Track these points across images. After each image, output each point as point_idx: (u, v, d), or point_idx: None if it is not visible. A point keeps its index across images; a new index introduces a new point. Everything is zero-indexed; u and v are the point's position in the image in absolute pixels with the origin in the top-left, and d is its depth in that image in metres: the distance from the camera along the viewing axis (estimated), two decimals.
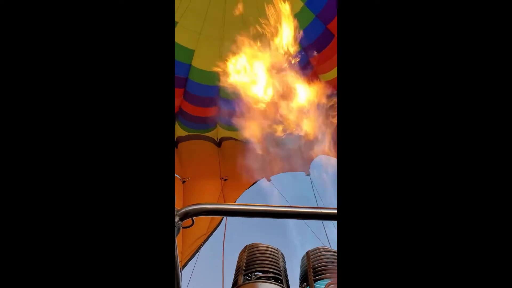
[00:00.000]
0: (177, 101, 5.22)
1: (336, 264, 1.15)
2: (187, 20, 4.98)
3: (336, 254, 1.43)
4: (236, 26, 4.84)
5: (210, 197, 5.22)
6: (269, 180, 5.14)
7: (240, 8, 4.54)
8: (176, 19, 4.92)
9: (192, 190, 5.22)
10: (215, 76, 5.21)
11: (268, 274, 1.39)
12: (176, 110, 5.27)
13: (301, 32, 4.77)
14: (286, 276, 1.43)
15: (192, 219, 1.20)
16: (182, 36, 5.00)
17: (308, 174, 4.80)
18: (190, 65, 5.13)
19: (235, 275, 1.41)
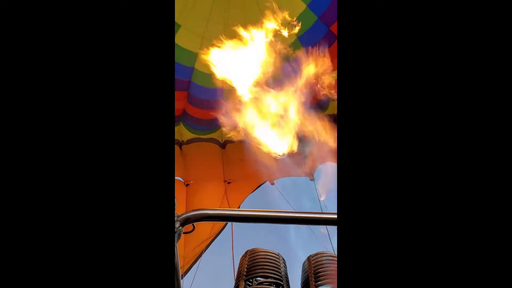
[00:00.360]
0: (181, 104, 5.24)
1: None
2: (190, 23, 5.00)
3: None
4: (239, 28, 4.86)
5: (213, 200, 5.22)
6: (272, 183, 5.14)
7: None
8: (179, 22, 4.95)
9: (195, 193, 5.23)
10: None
11: (269, 280, 1.39)
12: (180, 113, 5.29)
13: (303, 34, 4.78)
14: (287, 281, 1.44)
15: (193, 225, 1.21)
16: (185, 39, 5.02)
17: (312, 179, 4.79)
18: (193, 68, 5.15)
19: (236, 280, 1.41)
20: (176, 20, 4.87)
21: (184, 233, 1.20)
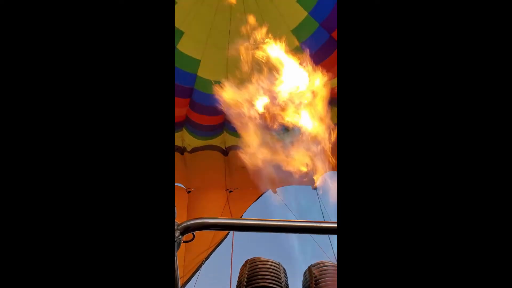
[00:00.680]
0: (184, 111, 5.27)
1: None
2: (193, 30, 5.05)
3: None
4: (242, 35, 4.90)
5: (215, 208, 5.20)
6: (275, 192, 5.13)
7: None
8: (182, 29, 4.99)
9: (197, 201, 5.22)
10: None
11: None
12: (182, 119, 5.31)
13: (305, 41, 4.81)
14: None
15: (193, 234, 1.21)
16: (188, 46, 5.06)
17: (315, 188, 4.78)
18: (196, 75, 5.19)
19: None
20: (179, 27, 4.91)
21: (184, 242, 1.20)
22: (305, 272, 1.51)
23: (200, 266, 5.00)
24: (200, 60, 5.17)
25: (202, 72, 5.22)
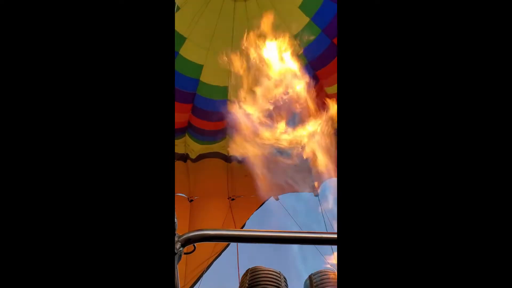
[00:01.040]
0: (186, 116, 5.29)
1: None
2: (196, 36, 5.08)
3: None
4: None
5: (217, 217, 5.18)
6: (277, 199, 5.13)
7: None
8: (185, 35, 5.03)
9: (199, 210, 5.20)
10: (224, 90, 5.28)
11: None
12: (185, 125, 5.33)
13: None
14: None
15: (194, 245, 1.22)
16: (191, 52, 5.10)
17: (317, 195, 4.77)
18: (199, 80, 5.22)
19: None
20: (182, 33, 4.95)
21: (185, 253, 1.21)
22: (305, 281, 1.52)
23: (201, 276, 4.99)
24: (202, 66, 5.21)
25: (204, 78, 5.25)
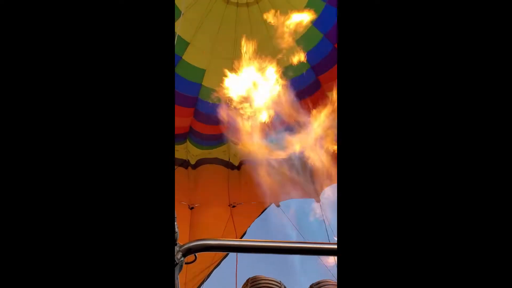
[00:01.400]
0: (188, 121, 5.31)
1: None
2: (199, 40, 5.11)
3: None
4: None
5: (218, 224, 5.16)
6: (278, 205, 5.11)
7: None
8: (187, 39, 5.05)
9: (200, 217, 5.18)
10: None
11: None
12: (186, 130, 5.35)
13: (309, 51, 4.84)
14: None
15: (195, 255, 1.22)
16: (193, 56, 5.12)
17: (319, 201, 4.76)
18: (201, 84, 5.24)
19: None
20: (185, 37, 4.97)
21: (186, 263, 1.22)
22: None
23: (201, 285, 4.97)
24: (205, 70, 5.23)
25: (207, 82, 5.27)
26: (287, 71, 4.82)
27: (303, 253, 1.33)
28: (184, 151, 5.43)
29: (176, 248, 1.16)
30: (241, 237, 5.24)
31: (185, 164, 5.43)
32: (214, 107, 5.16)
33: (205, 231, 4.95)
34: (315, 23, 4.91)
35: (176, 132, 5.09)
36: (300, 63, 4.88)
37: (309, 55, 4.99)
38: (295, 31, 4.82)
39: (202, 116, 5.30)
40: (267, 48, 4.75)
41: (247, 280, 1.50)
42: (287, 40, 4.87)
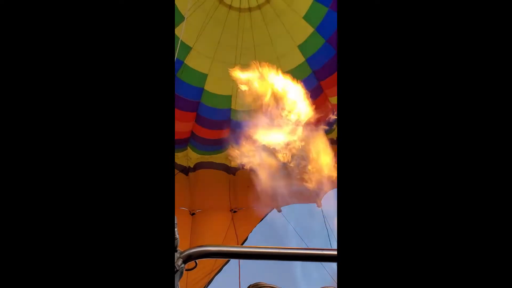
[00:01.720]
0: (189, 126, 5.33)
1: None
2: (201, 45, 5.14)
3: None
4: (249, 50, 4.98)
5: (219, 230, 5.14)
6: (279, 211, 5.10)
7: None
8: (190, 44, 5.09)
9: (201, 223, 5.17)
10: (228, 99, 5.31)
11: None
12: (187, 135, 5.36)
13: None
14: None
15: (196, 262, 1.22)
16: (195, 61, 5.15)
17: (320, 206, 4.74)
18: (203, 89, 5.26)
19: None
20: (187, 42, 5.01)
21: (186, 270, 1.22)
22: None
23: None
24: (207, 75, 5.26)
25: (209, 86, 5.29)
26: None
27: (304, 259, 1.33)
28: (185, 158, 5.44)
29: (177, 255, 1.16)
30: (243, 242, 5.22)
31: (185, 170, 5.44)
32: (216, 111, 5.19)
33: (206, 239, 4.93)
34: (317, 28, 4.93)
35: (178, 136, 5.11)
36: (302, 68, 4.90)
37: (310, 60, 5.01)
38: (297, 37, 4.85)
39: (203, 120, 5.32)
40: (269, 53, 4.77)
41: (248, 287, 1.50)
42: (289, 45, 4.90)
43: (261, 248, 1.28)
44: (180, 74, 5.00)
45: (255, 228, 5.43)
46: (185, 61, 5.10)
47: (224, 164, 5.51)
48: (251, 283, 1.51)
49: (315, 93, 4.92)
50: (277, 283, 1.55)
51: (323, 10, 4.80)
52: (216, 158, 5.53)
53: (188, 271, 1.23)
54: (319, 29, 4.95)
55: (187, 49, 5.02)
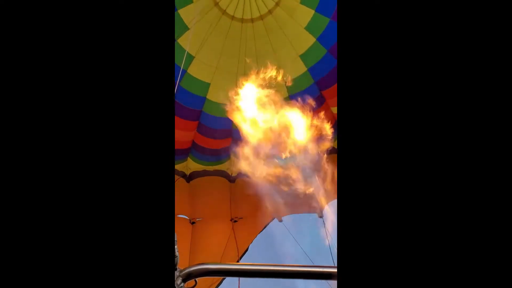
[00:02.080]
0: (191, 135, 5.34)
1: None
2: (204, 55, 5.18)
3: None
4: (251, 60, 5.00)
5: (220, 240, 5.10)
6: (280, 220, 5.08)
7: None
8: (193, 53, 5.13)
9: (201, 232, 5.14)
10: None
11: None
12: (189, 145, 5.37)
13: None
14: None
15: (195, 280, 1.22)
16: (198, 70, 5.19)
17: (321, 216, 4.72)
18: (205, 98, 5.29)
19: None
20: (190, 52, 5.05)
21: None
22: None
23: None
24: (209, 84, 5.29)
25: (211, 95, 5.32)
26: (290, 86, 4.86)
27: (303, 277, 1.32)
28: (185, 168, 5.44)
29: (176, 273, 1.16)
30: (244, 253, 5.19)
31: (186, 178, 5.43)
32: (218, 120, 5.20)
33: (206, 249, 4.89)
34: (318, 38, 4.96)
35: (179, 146, 5.12)
36: (304, 78, 4.92)
37: (312, 70, 5.04)
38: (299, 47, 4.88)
39: (205, 129, 5.33)
40: (271, 63, 4.79)
41: None
42: (291, 56, 4.92)
43: (261, 265, 1.28)
44: (182, 83, 5.04)
45: (255, 237, 5.39)
46: (188, 71, 5.14)
47: (225, 171, 5.50)
48: None
49: (317, 103, 4.93)
50: None
51: (325, 20, 4.84)
52: (217, 168, 5.52)
53: None
54: (321, 39, 4.98)
55: (189, 58, 5.06)
